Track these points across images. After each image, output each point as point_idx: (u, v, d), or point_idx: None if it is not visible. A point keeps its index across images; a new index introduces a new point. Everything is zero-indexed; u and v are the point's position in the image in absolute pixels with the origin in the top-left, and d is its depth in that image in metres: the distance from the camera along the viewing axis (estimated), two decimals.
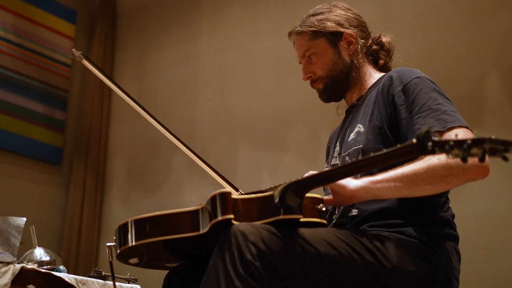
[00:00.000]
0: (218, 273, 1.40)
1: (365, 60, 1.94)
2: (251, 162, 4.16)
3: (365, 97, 1.88)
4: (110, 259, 1.68)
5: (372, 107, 1.80)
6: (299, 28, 1.95)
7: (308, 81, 1.98)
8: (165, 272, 1.85)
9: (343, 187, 1.55)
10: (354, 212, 1.72)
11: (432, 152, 1.14)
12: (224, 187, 1.94)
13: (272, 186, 1.53)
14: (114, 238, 1.66)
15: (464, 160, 1.08)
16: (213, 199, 1.49)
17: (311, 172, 1.54)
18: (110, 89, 5.10)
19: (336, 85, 1.93)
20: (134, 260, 1.73)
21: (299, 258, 1.47)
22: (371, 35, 1.98)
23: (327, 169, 1.55)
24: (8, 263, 2.35)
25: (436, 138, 1.15)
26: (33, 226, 2.76)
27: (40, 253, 2.65)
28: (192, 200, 4.29)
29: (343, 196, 1.57)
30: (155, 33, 5.00)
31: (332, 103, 2.02)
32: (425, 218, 1.68)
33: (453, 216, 1.75)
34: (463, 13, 3.45)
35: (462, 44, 3.40)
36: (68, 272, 2.59)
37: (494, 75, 3.29)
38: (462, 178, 1.54)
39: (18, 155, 4.61)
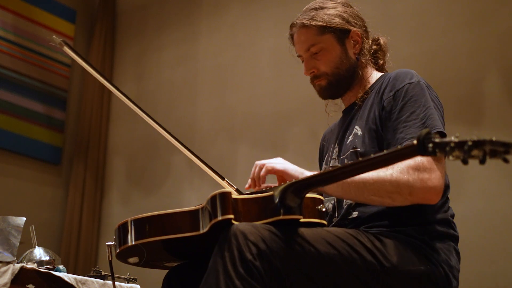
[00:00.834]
0: (218, 273, 1.40)
1: (368, 60, 1.93)
2: (251, 162, 4.12)
3: (364, 98, 1.88)
4: (110, 258, 1.68)
5: (369, 109, 1.80)
6: (306, 21, 1.88)
7: (308, 79, 1.96)
8: (165, 271, 1.85)
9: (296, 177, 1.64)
10: (355, 214, 1.72)
11: (433, 153, 1.14)
12: (222, 186, 1.93)
13: (272, 186, 1.53)
14: (114, 237, 1.66)
15: (465, 162, 1.07)
16: (213, 199, 1.49)
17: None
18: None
19: (340, 83, 1.89)
20: (133, 260, 1.73)
21: (299, 258, 1.47)
22: (370, 35, 1.98)
23: (327, 169, 1.55)
24: (7, 263, 2.35)
25: (437, 140, 1.15)
26: (33, 226, 2.75)
27: (39, 252, 2.64)
28: (192, 199, 4.29)
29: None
30: (155, 33, 4.99)
31: (326, 101, 2.00)
32: (425, 218, 1.68)
33: (452, 215, 1.75)
34: (463, 13, 3.45)
35: (462, 44, 3.40)
36: (67, 272, 2.59)
37: (494, 75, 3.29)
38: (409, 198, 1.57)
39: (17, 154, 4.61)
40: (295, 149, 3.93)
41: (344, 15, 1.89)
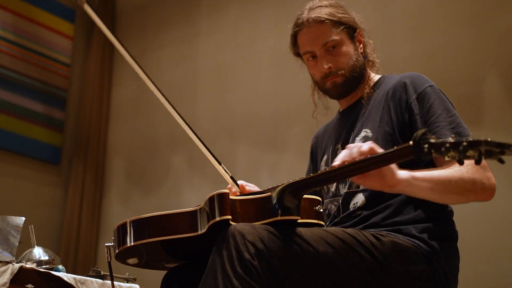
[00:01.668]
0: (216, 273, 1.40)
1: (371, 61, 1.93)
2: (250, 161, 4.16)
3: (368, 99, 1.87)
4: (109, 259, 1.68)
5: (381, 112, 1.78)
6: (321, 15, 1.84)
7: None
8: (165, 272, 1.85)
9: (392, 173, 1.41)
10: (359, 214, 1.72)
11: (429, 154, 1.15)
12: (221, 184, 1.93)
13: (270, 187, 1.53)
14: (113, 238, 1.66)
15: (460, 162, 1.08)
16: (211, 199, 1.49)
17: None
18: (109, 89, 5.11)
19: (354, 80, 1.88)
20: (132, 261, 1.73)
21: (297, 257, 1.47)
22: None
23: (325, 170, 1.55)
24: (7, 263, 2.35)
25: (432, 140, 1.15)
26: (32, 226, 2.75)
27: (39, 252, 2.64)
28: (191, 200, 4.29)
29: (387, 181, 1.42)
30: (155, 32, 4.99)
31: (315, 105, 2.00)
32: (424, 217, 1.68)
33: (452, 214, 1.75)
34: (463, 13, 3.45)
35: (462, 44, 3.40)
36: (67, 272, 2.58)
37: (493, 75, 3.29)
38: (479, 196, 1.58)
39: (17, 154, 4.61)
40: (295, 149, 3.93)
41: (351, 14, 1.91)
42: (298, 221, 1.51)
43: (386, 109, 1.77)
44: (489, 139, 1.06)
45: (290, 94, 4.04)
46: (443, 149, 1.10)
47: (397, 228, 1.66)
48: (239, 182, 1.89)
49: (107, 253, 1.68)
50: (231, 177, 1.84)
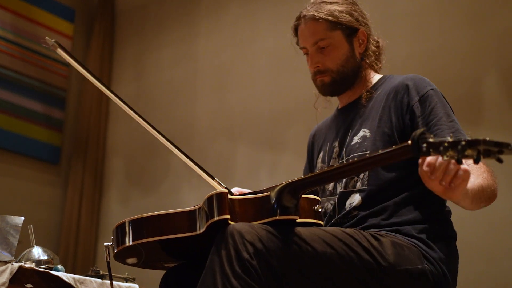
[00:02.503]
0: (215, 272, 1.40)
1: (372, 62, 1.93)
2: (250, 161, 4.16)
3: (368, 99, 1.87)
4: (108, 259, 1.68)
5: (381, 112, 1.78)
6: (317, 14, 1.84)
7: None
8: (164, 271, 1.85)
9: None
10: (356, 214, 1.72)
11: (427, 153, 1.15)
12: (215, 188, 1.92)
13: (269, 187, 1.53)
14: (112, 237, 1.66)
15: (459, 161, 1.08)
16: (209, 199, 1.50)
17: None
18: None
19: (343, 81, 1.88)
20: (132, 260, 1.73)
21: (296, 257, 1.47)
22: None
23: (323, 169, 1.55)
24: (6, 262, 2.35)
25: (431, 140, 1.15)
26: (31, 225, 2.75)
27: (38, 252, 2.64)
28: (190, 199, 4.29)
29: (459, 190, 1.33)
30: (154, 32, 4.99)
31: (317, 95, 1.99)
32: (423, 217, 1.68)
33: (450, 214, 1.75)
34: (463, 13, 3.45)
35: (461, 44, 3.40)
36: (66, 271, 2.58)
37: (493, 75, 3.29)
38: (492, 201, 1.60)
39: (16, 154, 4.60)
40: (294, 149, 3.93)
41: (354, 13, 1.88)
42: (297, 220, 1.50)
43: (387, 110, 1.77)
44: (487, 138, 1.06)
45: (289, 94, 4.04)
46: (441, 148, 1.10)
47: (396, 228, 1.66)
48: (233, 189, 1.90)
49: (106, 253, 1.68)
50: (226, 189, 1.82)
